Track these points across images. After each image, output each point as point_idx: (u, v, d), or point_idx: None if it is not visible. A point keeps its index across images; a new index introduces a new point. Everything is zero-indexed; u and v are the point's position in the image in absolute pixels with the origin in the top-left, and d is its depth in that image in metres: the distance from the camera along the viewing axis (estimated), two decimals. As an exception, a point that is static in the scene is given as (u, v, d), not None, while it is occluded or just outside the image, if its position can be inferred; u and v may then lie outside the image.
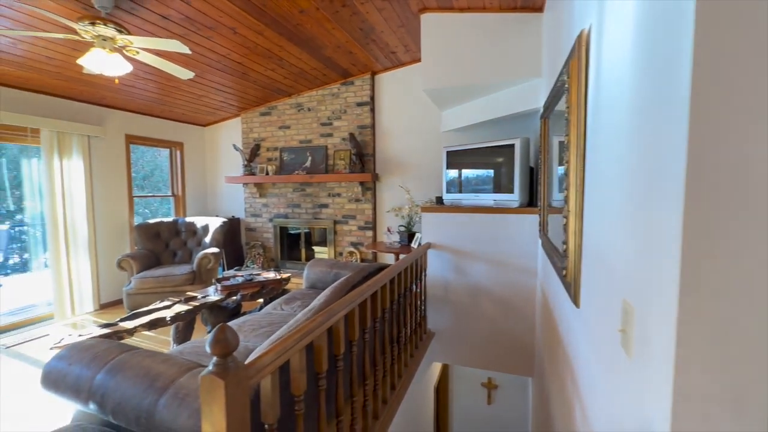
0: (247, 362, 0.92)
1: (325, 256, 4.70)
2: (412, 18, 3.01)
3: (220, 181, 5.44)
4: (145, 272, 3.82)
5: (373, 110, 4.38)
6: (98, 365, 1.29)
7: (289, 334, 1.10)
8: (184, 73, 2.73)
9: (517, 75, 2.71)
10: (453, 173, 3.15)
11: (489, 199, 2.86)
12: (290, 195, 4.84)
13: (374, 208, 4.45)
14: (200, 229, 4.47)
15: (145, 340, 3.19)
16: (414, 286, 2.53)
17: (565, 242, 1.26)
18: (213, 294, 3.00)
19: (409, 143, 4.27)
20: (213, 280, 3.31)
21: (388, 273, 1.91)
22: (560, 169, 1.87)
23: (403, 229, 3.96)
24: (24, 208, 6.46)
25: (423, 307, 2.86)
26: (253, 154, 4.86)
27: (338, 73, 4.15)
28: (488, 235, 2.80)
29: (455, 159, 3.14)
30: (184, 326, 2.75)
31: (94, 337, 1.96)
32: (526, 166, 2.74)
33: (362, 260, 4.46)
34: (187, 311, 2.59)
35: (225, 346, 0.82)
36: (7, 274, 5.81)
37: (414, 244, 3.73)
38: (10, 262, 6.03)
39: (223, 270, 4.83)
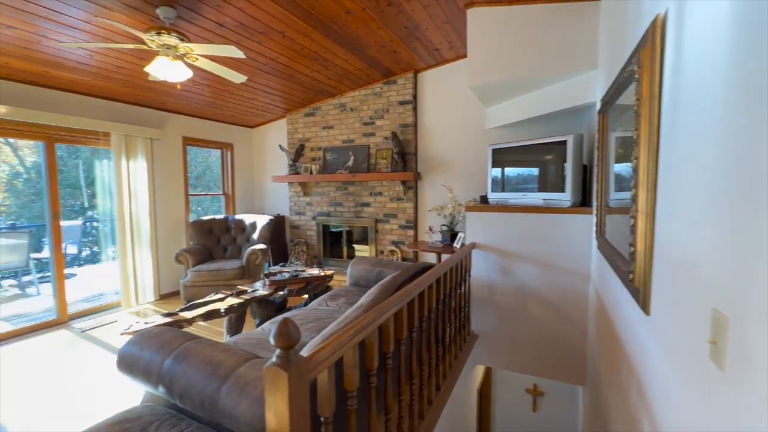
0: (307, 355, 0.94)
1: (366, 254, 4.74)
2: (457, 13, 2.96)
3: (266, 180, 5.67)
4: (199, 266, 4.06)
5: (415, 109, 4.35)
6: (166, 352, 1.39)
7: (343, 330, 1.11)
8: (238, 77, 2.87)
9: (570, 68, 2.58)
10: (499, 172, 3.06)
11: (538, 198, 2.74)
12: (333, 194, 4.93)
13: (416, 207, 4.43)
14: (248, 226, 4.69)
15: (201, 330, 3.40)
16: (459, 287, 2.49)
17: (633, 244, 1.18)
18: (261, 288, 3.13)
19: (452, 141, 4.21)
20: (261, 275, 3.45)
21: (435, 273, 1.89)
22: (617, 167, 1.76)
23: (445, 228, 3.91)
24: (95, 205, 7.12)
25: (467, 309, 2.80)
26: (297, 153, 5.01)
27: (381, 72, 4.17)
28: (536, 235, 2.70)
29: (501, 157, 3.04)
30: (236, 318, 2.89)
31: (159, 325, 2.11)
32: (579, 164, 2.60)
33: (403, 259, 4.45)
34: (239, 304, 2.73)
35: (288, 339, 0.85)
36: (80, 265, 6.44)
37: (456, 244, 3.67)
38: (83, 254, 6.67)
39: (269, 265, 5.03)
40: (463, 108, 4.08)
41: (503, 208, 2.84)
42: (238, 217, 4.79)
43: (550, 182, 2.73)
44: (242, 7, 2.53)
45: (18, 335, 3.38)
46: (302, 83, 4.15)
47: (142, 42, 2.41)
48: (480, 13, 2.81)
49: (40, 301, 4.69)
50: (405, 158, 4.33)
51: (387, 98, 4.46)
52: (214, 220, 4.68)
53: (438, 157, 4.29)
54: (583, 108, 2.77)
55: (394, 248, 4.50)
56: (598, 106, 2.19)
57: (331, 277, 3.48)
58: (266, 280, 3.20)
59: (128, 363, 1.44)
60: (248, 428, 1.13)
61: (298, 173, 5.00)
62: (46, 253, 5.14)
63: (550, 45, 2.60)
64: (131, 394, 2.38)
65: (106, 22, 2.47)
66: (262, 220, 4.63)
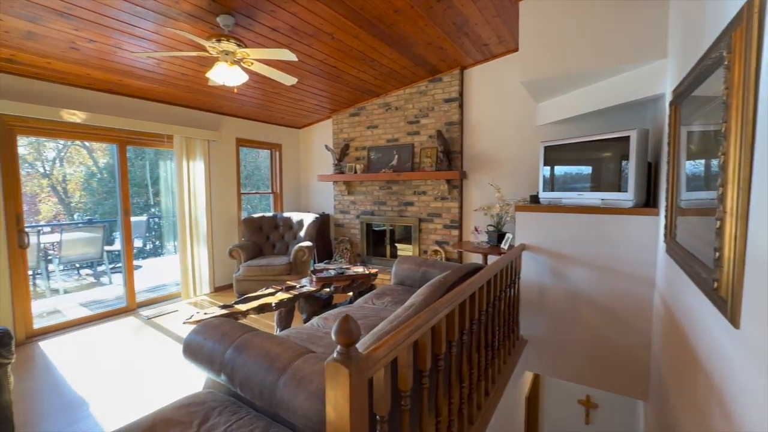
0: (364, 352, 0.95)
1: (410, 253, 4.73)
2: (508, 6, 2.86)
3: (312, 180, 5.83)
4: (250, 261, 4.26)
5: (461, 106, 4.27)
6: (227, 342, 1.46)
7: (397, 330, 1.11)
8: (289, 80, 2.97)
9: (634, 58, 2.39)
10: (551, 170, 2.91)
11: (595, 198, 2.58)
12: (376, 193, 4.97)
13: (461, 207, 4.35)
14: (295, 224, 4.85)
15: (253, 322, 3.56)
16: (509, 289, 2.40)
17: (718, 249, 1.06)
18: (308, 285, 3.22)
19: (500, 139, 4.07)
20: (309, 272, 3.55)
21: (486, 274, 1.84)
22: (691, 165, 1.60)
23: (492, 228, 3.80)
24: (159, 203, 7.71)
25: (516, 312, 2.70)
26: (342, 153, 5.10)
27: (427, 70, 4.13)
28: (593, 237, 2.54)
29: (554, 155, 2.89)
30: (285, 312, 3.00)
31: (218, 317, 2.24)
32: (644, 162, 2.40)
33: (447, 259, 4.39)
34: (288, 299, 2.82)
35: (349, 336, 0.86)
36: (144, 258, 7.00)
37: (504, 245, 3.55)
38: (147, 247, 7.25)
39: (314, 262, 5.17)
40: (512, 104, 3.94)
41: (556, 208, 2.70)
42: (285, 214, 4.97)
43: (608, 181, 2.56)
44: (295, 12, 2.61)
45: (94, 320, 3.74)
46: (348, 83, 4.21)
47: (204, 49, 2.56)
48: (533, 5, 2.69)
49: (112, 290, 5.17)
50: (450, 157, 4.26)
51: (432, 96, 4.41)
52: (263, 217, 4.88)
53: (484, 155, 4.18)
54: (646, 101, 2.57)
55: (437, 248, 4.44)
56: (669, 97, 2.01)
57: (375, 275, 3.50)
58: (313, 276, 3.28)
59: (193, 351, 1.53)
60: (304, 420, 1.16)
61: (342, 172, 5.09)
62: (117, 246, 5.65)
63: (611, 34, 2.43)
64: (191, 378, 2.54)
65: (173, 32, 2.66)
66: (308, 218, 4.76)
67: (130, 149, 3.99)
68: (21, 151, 3.29)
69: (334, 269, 3.53)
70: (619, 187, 2.45)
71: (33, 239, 4.48)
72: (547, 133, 3.63)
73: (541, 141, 2.94)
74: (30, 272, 3.37)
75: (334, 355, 0.87)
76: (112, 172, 4.24)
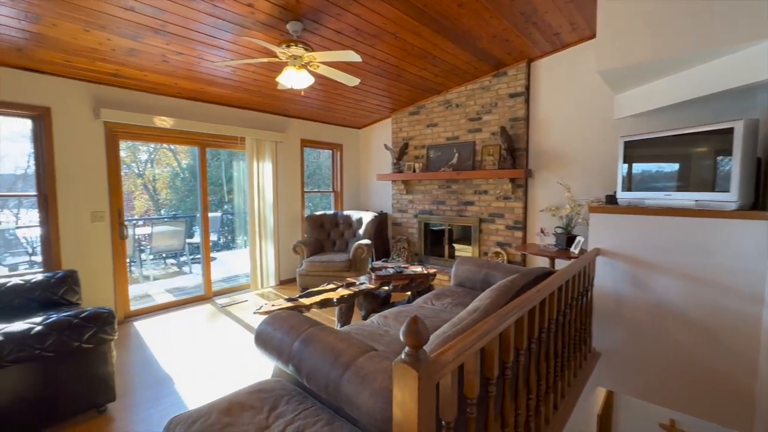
0: (431, 355, 0.93)
1: (468, 254, 4.60)
2: (585, -10, 2.63)
3: (371, 179, 5.92)
4: (312, 257, 4.44)
5: (527, 100, 4.04)
6: (294, 335, 1.52)
7: (464, 335, 1.07)
8: (352, 81, 3.03)
9: (742, 38, 2.06)
10: (632, 168, 2.64)
11: (687, 198, 2.28)
12: (435, 192, 4.90)
13: (525, 207, 4.12)
14: (355, 222, 4.96)
15: (315, 316, 3.71)
16: (581, 297, 2.22)
17: None
18: (367, 282, 3.27)
19: (571, 134, 3.79)
20: (368, 270, 3.60)
21: (557, 279, 1.71)
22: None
23: (560, 230, 3.55)
24: (232, 200, 8.36)
25: (588, 322, 2.49)
26: (401, 152, 5.11)
27: (491, 64, 3.98)
28: (684, 243, 2.25)
29: (636, 151, 2.61)
30: (346, 308, 3.08)
31: (285, 309, 2.36)
32: (751, 157, 2.07)
33: (509, 261, 4.19)
34: (349, 296, 2.89)
35: (418, 338, 0.84)
36: (219, 250, 7.63)
37: (574, 249, 3.30)
38: (221, 241, 7.89)
39: (373, 260, 5.24)
40: (585, 97, 3.64)
41: (638, 209, 2.44)
42: (345, 212, 5.10)
43: (701, 179, 2.25)
44: (359, 13, 2.66)
45: (177, 305, 4.16)
46: (409, 82, 4.20)
47: (275, 55, 2.70)
48: (615, -14, 2.45)
49: (192, 279, 5.71)
50: (514, 154, 4.06)
51: (496, 91, 4.23)
52: (325, 215, 5.07)
53: (553, 152, 3.92)
54: (747, 89, 2.21)
55: (499, 250, 4.26)
56: (790, 81, 1.71)
57: (434, 275, 3.46)
58: (372, 274, 3.33)
59: (264, 341, 1.62)
60: (368, 417, 1.17)
61: (401, 171, 5.10)
62: (196, 239, 6.23)
63: (711, 11, 2.13)
64: (257, 364, 2.71)
65: (247, 40, 2.85)
66: (367, 217, 4.85)
67: (208, 151, 4.37)
68: (121, 154, 3.75)
69: (392, 268, 3.54)
70: (714, 185, 2.14)
71: (130, 231, 5.11)
72: (625, 128, 3.29)
73: (621, 136, 2.68)
74: (127, 260, 3.83)
75: (402, 356, 0.86)
76: (193, 172, 4.74)
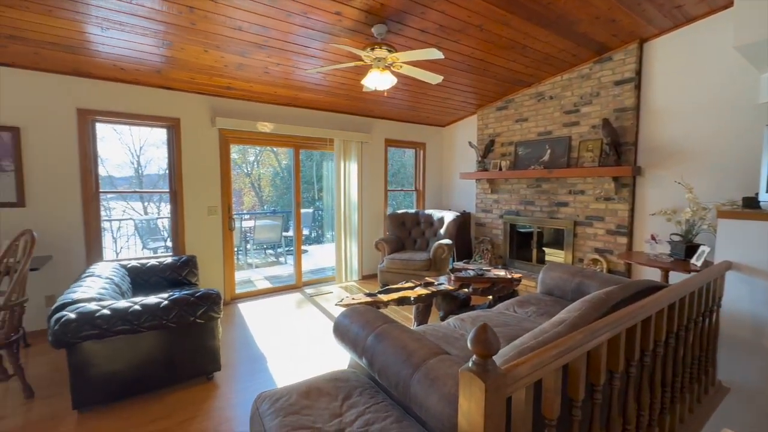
0: (502, 367, 0.87)
1: (560, 260, 4.21)
2: (720, -50, 2.19)
3: (454, 177, 5.80)
4: (393, 254, 4.52)
5: (638, 87, 3.52)
6: (369, 329, 1.57)
7: (543, 348, 0.97)
8: (435, 78, 2.99)
9: None
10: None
11: None
12: (523, 191, 4.59)
13: (632, 209, 3.61)
14: (436, 221, 4.90)
15: (391, 312, 3.78)
16: (702, 318, 1.86)
17: None
18: (446, 283, 3.21)
19: (694, 125, 3.20)
20: (448, 270, 3.54)
21: (668, 295, 1.46)
22: None
23: (677, 238, 3.02)
24: (322, 198, 8.97)
25: (712, 350, 2.08)
26: (487, 150, 4.89)
27: (592, 49, 3.56)
28: None
29: (791, 141, 2.09)
30: (423, 308, 3.07)
31: (362, 303, 2.44)
32: None
33: (609, 271, 3.72)
34: (426, 295, 2.87)
35: (486, 347, 0.79)
36: (310, 244, 8.25)
37: (696, 261, 2.78)
38: (312, 235, 8.52)
39: (453, 261, 5.13)
40: (716, 79, 3.04)
41: (791, 215, 1.95)
42: (427, 211, 5.08)
43: None
44: (443, 9, 2.61)
45: (273, 292, 4.62)
46: (496, 75, 3.99)
47: (360, 59, 2.81)
48: (763, -61, 1.98)
49: (286, 269, 6.28)
50: (619, 150, 3.58)
51: (598, 80, 3.78)
52: (406, 213, 5.11)
53: (669, 146, 3.35)
54: None
55: (597, 257, 3.81)
56: None
57: (518, 280, 3.24)
58: (452, 275, 3.25)
59: (341, 332, 1.70)
60: (436, 421, 1.15)
61: (486, 170, 4.89)
62: (290, 232, 6.83)
63: None
64: (337, 353, 2.86)
65: (336, 47, 3.01)
66: (448, 216, 4.76)
67: (302, 152, 4.75)
68: (233, 156, 4.30)
69: (473, 270, 3.42)
70: None
71: (237, 224, 5.82)
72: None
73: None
74: (234, 249, 4.37)
75: (470, 364, 0.82)
76: (290, 171, 5.22)
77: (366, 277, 5.22)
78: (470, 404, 0.81)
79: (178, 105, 3.77)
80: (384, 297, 2.74)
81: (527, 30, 3.03)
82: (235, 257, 4.57)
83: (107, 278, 2.66)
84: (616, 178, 3.61)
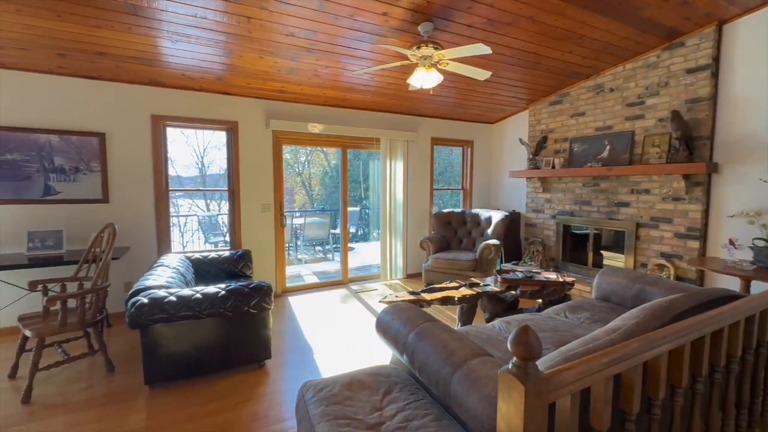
0: (544, 371, 0.83)
1: (620, 264, 3.91)
2: None
3: (503, 176, 5.61)
4: (438, 254, 4.48)
5: (715, 75, 3.17)
6: (411, 327, 1.58)
7: (593, 355, 0.92)
8: (482, 74, 2.92)
9: None
10: None
11: None
12: (579, 190, 4.32)
13: (706, 210, 3.26)
14: (483, 221, 4.78)
15: (436, 312, 3.76)
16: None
17: None
18: (493, 284, 3.12)
19: (787, 115, 2.81)
20: (494, 271, 3.44)
21: (745, 306, 1.31)
22: None
23: (761, 243, 2.68)
24: (368, 196, 9.11)
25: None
26: (538, 147, 4.67)
27: (660, 35, 3.26)
28: None
29: None
30: (467, 308, 3.01)
31: (405, 301, 2.45)
32: None
33: (677, 278, 3.39)
34: (471, 296, 2.82)
35: (527, 350, 0.77)
36: (356, 241, 8.42)
37: (785, 269, 2.44)
38: (359, 233, 8.69)
39: (501, 262, 4.97)
40: (817, 61, 2.64)
41: None
42: (474, 211, 4.97)
43: None
44: (492, 3, 2.54)
45: (320, 287, 4.79)
46: (549, 68, 3.80)
47: (406, 57, 2.82)
48: None
49: (333, 265, 6.47)
50: (691, 145, 3.24)
51: (667, 68, 3.45)
52: (452, 212, 5.04)
53: (753, 139, 2.98)
54: None
55: (663, 262, 3.49)
56: None
57: (571, 284, 3.07)
58: (498, 276, 3.16)
59: (383, 328, 1.73)
60: (476, 422, 1.13)
61: (537, 168, 4.67)
62: (338, 230, 7.02)
63: None
64: (379, 348, 2.90)
65: (383, 47, 3.04)
66: (496, 216, 4.61)
67: (350, 152, 4.86)
68: (285, 156, 4.51)
69: (521, 272, 3.29)
70: None
71: (288, 221, 6.10)
72: None
73: None
74: (285, 245, 4.59)
75: (509, 366, 0.80)
76: (338, 171, 5.39)
77: (411, 276, 5.23)
78: (509, 407, 0.79)
79: (236, 109, 4.03)
80: (427, 296, 2.73)
81: (584, 18, 2.84)
82: (286, 252, 4.80)
83: (174, 268, 2.93)
84: (687, 175, 3.28)
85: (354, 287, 4.75)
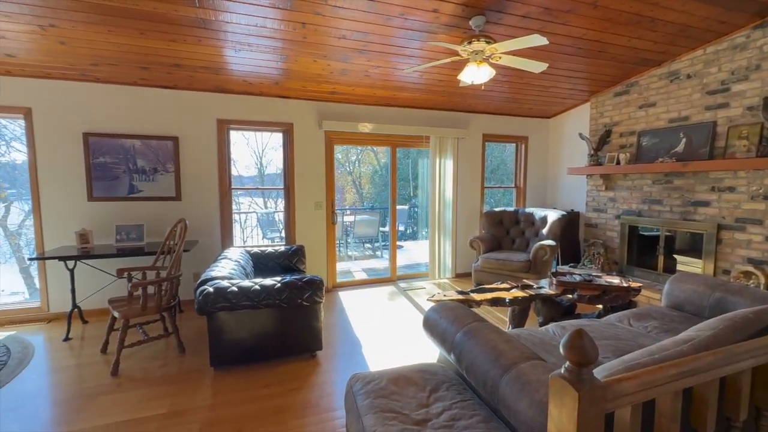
0: (602, 379, 0.79)
1: (697, 270, 3.52)
2: None
3: (560, 173, 5.30)
4: (489, 254, 4.36)
5: (821, 54, 2.74)
6: (458, 326, 1.56)
7: (658, 366, 0.85)
8: (538, 67, 2.78)
9: None
10: None
11: None
12: (647, 188, 3.96)
13: (806, 211, 2.83)
14: (538, 220, 4.56)
15: (485, 313, 3.66)
16: None
17: None
18: (547, 287, 2.97)
19: None
20: (549, 273, 3.28)
21: None
22: None
23: None
24: (417, 195, 9.10)
25: None
26: (601, 141, 4.35)
27: (749, 12, 2.88)
28: None
29: None
30: (519, 311, 2.90)
31: (453, 300, 2.42)
32: None
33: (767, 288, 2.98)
34: (524, 298, 2.71)
35: (582, 354, 0.73)
36: (405, 240, 8.45)
37: None
38: (407, 231, 8.71)
39: (557, 264, 4.71)
40: None
41: None
42: (528, 210, 4.76)
43: None
44: (549, -9, 2.41)
45: (369, 283, 4.88)
46: (614, 57, 3.52)
47: (457, 53, 2.77)
48: None
49: (381, 262, 6.55)
50: (789, 135, 2.83)
51: (758, 49, 3.05)
52: (505, 211, 4.87)
53: None
54: None
55: (751, 269, 3.09)
56: None
57: (637, 290, 2.83)
58: (554, 279, 3.01)
59: (430, 326, 1.73)
60: (525, 427, 1.10)
61: (600, 164, 4.35)
62: (387, 228, 7.09)
63: None
64: (426, 346, 2.89)
65: (433, 44, 3.02)
66: (553, 215, 4.38)
67: (399, 150, 4.89)
68: (337, 156, 4.65)
69: (579, 275, 3.10)
70: None
71: (339, 219, 6.28)
72: None
73: None
74: (336, 242, 4.74)
75: (562, 370, 0.77)
76: (388, 169, 5.47)
77: (460, 275, 5.14)
78: (561, 413, 0.76)
79: (291, 111, 4.24)
80: (477, 296, 2.67)
81: (656, 0, 2.60)
82: (337, 249, 4.95)
83: (236, 261, 3.16)
84: (784, 171, 2.87)
85: (402, 285, 4.77)
